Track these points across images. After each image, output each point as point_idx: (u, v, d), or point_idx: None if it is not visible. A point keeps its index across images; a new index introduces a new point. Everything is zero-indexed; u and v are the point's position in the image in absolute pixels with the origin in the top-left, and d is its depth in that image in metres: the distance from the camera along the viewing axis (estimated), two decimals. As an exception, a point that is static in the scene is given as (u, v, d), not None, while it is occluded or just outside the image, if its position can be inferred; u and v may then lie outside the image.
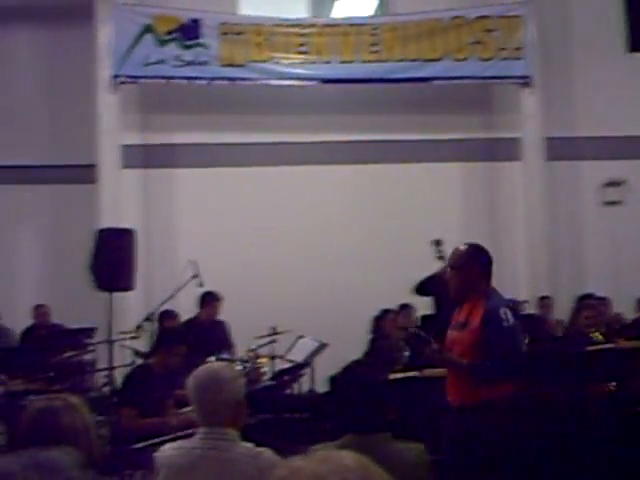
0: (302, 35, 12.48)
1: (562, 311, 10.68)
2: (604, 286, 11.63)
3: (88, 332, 10.82)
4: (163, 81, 12.30)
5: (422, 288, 10.25)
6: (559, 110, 13.19)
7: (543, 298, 11.54)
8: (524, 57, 12.59)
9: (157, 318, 10.12)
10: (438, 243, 9.74)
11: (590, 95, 13.35)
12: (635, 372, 7.74)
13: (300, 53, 12.44)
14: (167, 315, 10.02)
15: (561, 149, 12.98)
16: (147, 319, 10.25)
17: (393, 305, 10.25)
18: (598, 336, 8.42)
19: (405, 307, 9.88)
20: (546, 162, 12.76)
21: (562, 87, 13.32)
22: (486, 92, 13.40)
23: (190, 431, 4.90)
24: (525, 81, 12.63)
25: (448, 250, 9.80)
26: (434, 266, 9.93)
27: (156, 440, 5.98)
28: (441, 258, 9.74)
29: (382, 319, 10.36)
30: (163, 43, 12.20)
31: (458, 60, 12.57)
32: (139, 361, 9.49)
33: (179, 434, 6.05)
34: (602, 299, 10.93)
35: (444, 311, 9.94)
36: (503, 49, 12.59)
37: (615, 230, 13.30)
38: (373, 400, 3.76)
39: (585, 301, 9.48)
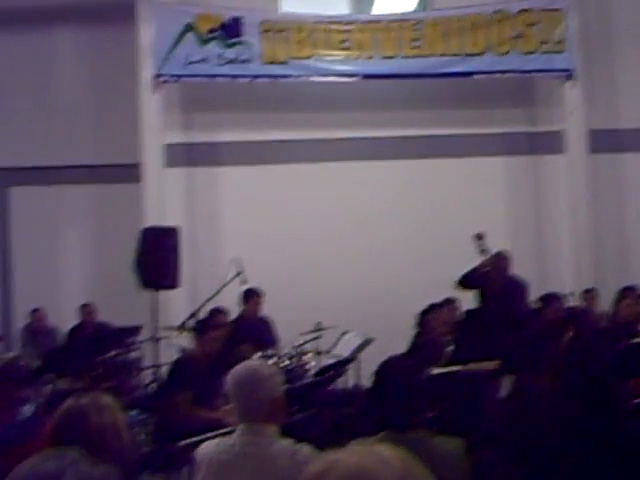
0: (344, 31, 12.45)
1: (608, 304, 10.60)
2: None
3: (134, 330, 10.92)
4: (205, 80, 12.35)
5: (465, 281, 10.23)
6: (602, 102, 13.05)
7: (587, 291, 11.45)
8: (566, 50, 12.47)
9: (192, 315, 10.20)
10: (480, 237, 9.71)
11: (633, 86, 13.20)
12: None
13: (342, 49, 12.42)
14: (216, 312, 10.08)
15: (605, 141, 12.86)
16: (192, 317, 10.33)
17: (439, 299, 10.21)
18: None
19: (449, 301, 9.85)
20: (590, 155, 12.64)
21: (605, 79, 13.18)
22: (528, 86, 13.29)
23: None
24: (567, 74, 12.52)
25: (490, 243, 9.83)
26: (478, 260, 9.92)
27: (201, 437, 6.04)
28: (483, 252, 9.71)
29: (427, 314, 10.32)
30: (205, 42, 12.24)
31: (500, 54, 12.49)
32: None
33: (220, 431, 6.14)
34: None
35: (488, 305, 9.95)
36: (545, 42, 12.48)
37: (660, 222, 13.19)
38: (410, 396, 3.76)
39: (625, 291, 9.38)
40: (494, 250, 10.02)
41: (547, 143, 13.06)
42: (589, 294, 11.43)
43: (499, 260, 10.30)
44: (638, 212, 13.18)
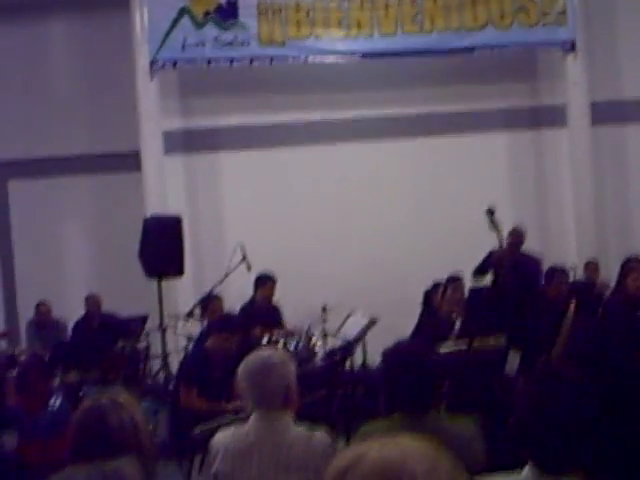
0: (342, 9, 12.28)
1: (612, 275, 10.58)
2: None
3: (140, 320, 10.94)
4: (202, 64, 12.21)
5: (481, 271, 10.22)
6: (604, 74, 12.97)
7: (589, 263, 11.46)
8: (568, 22, 12.38)
9: (199, 303, 10.23)
10: (491, 212, 9.57)
11: (635, 57, 13.12)
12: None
13: (341, 27, 12.27)
14: (212, 299, 10.11)
15: (607, 113, 12.81)
16: (199, 304, 10.35)
17: (444, 277, 10.19)
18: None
19: (453, 280, 9.80)
20: (592, 127, 12.60)
21: (606, 50, 13.10)
22: (530, 59, 13.23)
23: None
24: (570, 46, 12.44)
25: (501, 219, 9.76)
26: (484, 236, 9.83)
27: (214, 424, 6.06)
28: (494, 227, 9.59)
29: (432, 292, 10.33)
30: (200, 25, 12.06)
31: (502, 28, 12.38)
32: (193, 346, 9.61)
33: (234, 417, 6.16)
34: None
35: (502, 282, 9.88)
36: (546, 14, 12.37)
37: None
38: (421, 380, 3.78)
39: (631, 263, 9.32)
40: (507, 225, 9.86)
41: (549, 117, 13.03)
42: (591, 266, 11.44)
43: (515, 236, 10.29)
44: (640, 183, 13.18)
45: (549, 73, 13.14)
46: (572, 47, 12.42)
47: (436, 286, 10.08)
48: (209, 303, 10.05)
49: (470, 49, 12.39)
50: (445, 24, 12.30)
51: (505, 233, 9.73)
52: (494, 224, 9.38)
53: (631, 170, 13.28)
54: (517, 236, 10.38)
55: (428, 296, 10.43)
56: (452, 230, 12.55)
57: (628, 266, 9.02)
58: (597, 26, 12.89)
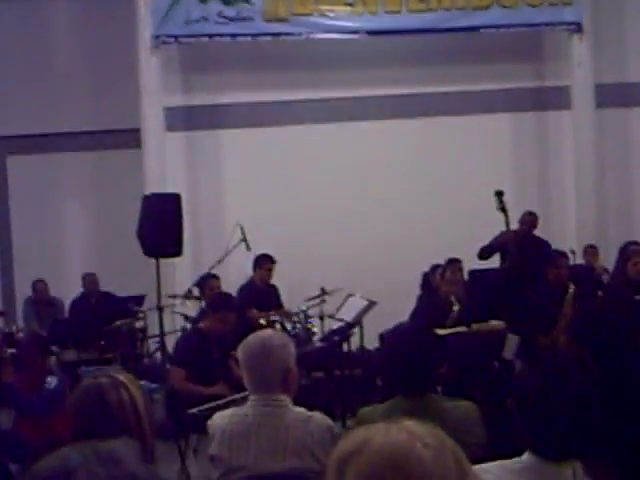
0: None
1: (610, 260, 10.55)
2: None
3: (137, 299, 10.92)
4: (205, 39, 12.09)
5: (487, 252, 10.19)
6: (610, 56, 12.89)
7: (589, 247, 11.44)
8: (574, 2, 12.28)
9: (197, 282, 10.20)
10: (500, 194, 9.54)
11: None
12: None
13: (346, 4, 12.13)
14: (209, 278, 10.08)
15: (611, 96, 12.75)
16: (197, 284, 10.32)
17: (444, 260, 10.16)
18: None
19: (453, 262, 9.76)
20: (596, 109, 12.53)
21: (613, 32, 13.01)
22: (535, 40, 13.12)
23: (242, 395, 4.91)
24: (576, 27, 12.33)
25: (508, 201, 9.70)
26: (485, 218, 9.81)
27: (212, 404, 6.05)
28: (502, 210, 9.55)
29: (431, 275, 10.30)
30: (204, 0, 12.00)
31: (507, 7, 12.27)
32: (190, 326, 9.59)
33: (233, 397, 6.15)
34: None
35: (508, 265, 9.86)
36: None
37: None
38: (420, 363, 3.77)
39: (632, 247, 9.28)
40: (509, 207, 9.78)
41: (554, 98, 12.96)
42: (591, 250, 11.41)
43: (528, 220, 10.29)
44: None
45: (554, 54, 13.04)
46: (578, 28, 12.32)
47: (435, 268, 10.06)
48: (206, 282, 10.03)
49: (475, 28, 12.32)
50: (451, 2, 12.20)
51: (510, 215, 9.72)
52: (503, 206, 9.34)
53: (634, 154, 13.25)
54: (531, 219, 10.38)
55: (427, 278, 10.41)
56: (453, 211, 12.50)
57: (629, 250, 9.01)
58: (604, 7, 12.78)
